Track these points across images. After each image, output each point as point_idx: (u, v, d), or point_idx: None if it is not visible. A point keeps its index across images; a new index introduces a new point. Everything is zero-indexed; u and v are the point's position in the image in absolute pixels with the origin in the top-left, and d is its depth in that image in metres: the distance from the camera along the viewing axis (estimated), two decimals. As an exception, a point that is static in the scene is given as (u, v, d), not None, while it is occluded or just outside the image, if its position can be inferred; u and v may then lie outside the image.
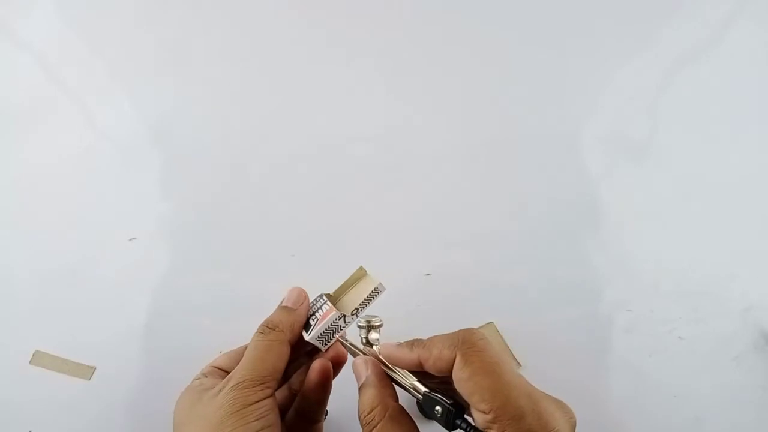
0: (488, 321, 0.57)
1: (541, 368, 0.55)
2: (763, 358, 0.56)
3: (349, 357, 0.41)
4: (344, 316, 0.40)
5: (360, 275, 0.44)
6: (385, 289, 0.42)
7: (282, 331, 0.38)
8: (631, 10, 0.70)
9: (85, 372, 0.56)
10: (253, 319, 0.51)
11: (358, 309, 0.41)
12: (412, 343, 0.34)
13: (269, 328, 0.39)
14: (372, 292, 0.42)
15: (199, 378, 0.39)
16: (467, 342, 0.31)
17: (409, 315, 0.58)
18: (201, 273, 0.60)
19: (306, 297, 0.42)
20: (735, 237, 0.61)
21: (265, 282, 0.59)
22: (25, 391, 0.56)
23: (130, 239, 0.61)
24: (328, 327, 0.39)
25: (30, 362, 0.56)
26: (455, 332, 0.33)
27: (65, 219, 0.62)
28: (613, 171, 0.64)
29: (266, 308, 0.54)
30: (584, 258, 0.61)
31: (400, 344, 0.36)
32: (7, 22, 0.69)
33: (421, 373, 0.35)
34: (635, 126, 0.66)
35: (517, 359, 0.55)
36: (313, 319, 0.41)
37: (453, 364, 0.31)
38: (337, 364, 0.41)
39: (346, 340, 0.40)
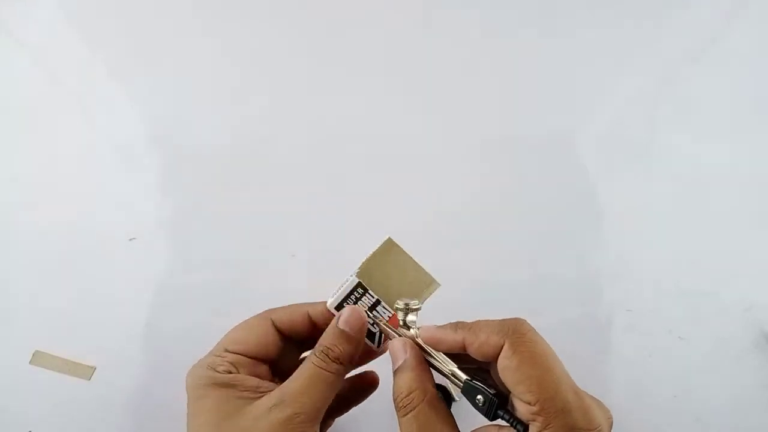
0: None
1: (541, 368, 0.55)
2: (763, 358, 0.56)
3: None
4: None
5: (421, 276, 0.42)
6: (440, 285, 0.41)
7: (343, 364, 0.35)
8: (631, 11, 0.71)
9: (85, 372, 0.56)
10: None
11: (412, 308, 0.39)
12: (456, 325, 0.34)
13: (331, 358, 0.35)
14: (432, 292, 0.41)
15: (227, 368, 0.35)
16: (517, 331, 0.31)
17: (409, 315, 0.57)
18: (201, 273, 0.60)
19: (364, 321, 0.37)
20: (735, 237, 0.61)
21: (266, 282, 0.59)
22: (25, 391, 0.56)
23: (130, 239, 0.61)
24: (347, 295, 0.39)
25: (30, 362, 0.56)
26: (504, 319, 0.32)
27: (65, 219, 0.62)
28: (613, 171, 0.64)
29: (266, 308, 0.54)
30: (584, 258, 0.61)
31: (441, 326, 0.35)
32: (7, 22, 0.69)
33: (455, 357, 0.34)
34: (635, 126, 0.66)
35: (517, 359, 0.55)
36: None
37: (500, 351, 0.30)
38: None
39: (382, 322, 0.39)
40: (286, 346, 0.39)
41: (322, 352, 0.35)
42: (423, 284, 0.44)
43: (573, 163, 0.64)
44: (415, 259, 0.45)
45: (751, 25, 0.70)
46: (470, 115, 0.67)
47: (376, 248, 0.43)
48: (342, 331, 0.36)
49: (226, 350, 0.36)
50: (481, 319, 0.33)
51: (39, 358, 0.56)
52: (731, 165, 0.64)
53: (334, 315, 0.38)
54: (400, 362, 0.34)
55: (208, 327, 0.59)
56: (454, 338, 0.33)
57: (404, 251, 0.45)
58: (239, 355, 0.36)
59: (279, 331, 0.38)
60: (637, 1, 0.71)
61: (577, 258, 0.61)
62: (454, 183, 0.64)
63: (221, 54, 0.69)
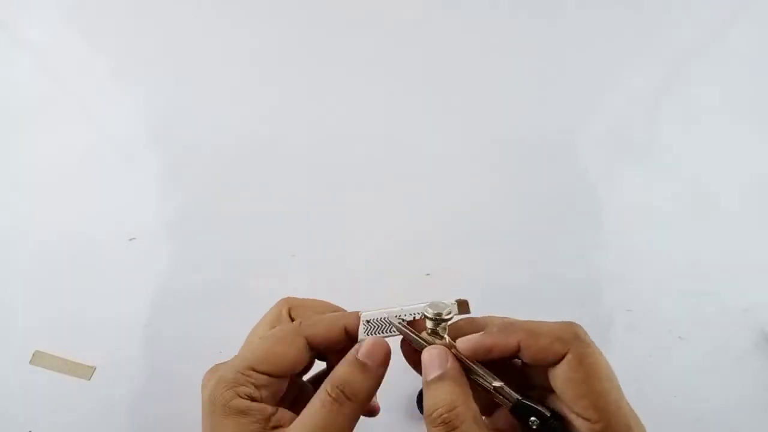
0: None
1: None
2: (763, 358, 0.56)
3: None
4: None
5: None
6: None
7: (360, 402, 0.31)
8: (632, 12, 0.70)
9: (85, 372, 0.56)
10: (254, 319, 0.51)
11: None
12: (507, 327, 0.30)
13: (346, 396, 0.30)
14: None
15: (249, 392, 0.31)
16: (582, 341, 0.28)
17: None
18: (201, 273, 0.60)
19: (389, 354, 0.32)
20: (735, 237, 0.61)
21: (266, 282, 0.59)
22: (25, 391, 0.56)
23: (130, 239, 0.61)
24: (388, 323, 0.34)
25: (30, 362, 0.56)
26: (561, 324, 0.29)
27: (65, 219, 0.62)
28: (613, 171, 0.64)
29: (267, 308, 0.54)
30: (584, 258, 0.60)
31: (486, 332, 0.31)
32: (7, 22, 0.69)
33: (490, 364, 0.31)
34: (635, 127, 0.66)
35: (517, 359, 0.55)
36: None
37: (559, 359, 0.28)
38: None
39: (408, 328, 0.33)
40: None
41: (337, 388, 0.30)
42: None
43: (573, 163, 0.64)
44: None
45: (752, 25, 0.70)
46: (470, 116, 0.67)
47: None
48: (362, 364, 0.31)
49: (254, 369, 0.31)
50: (533, 321, 0.30)
51: (39, 358, 0.56)
52: (731, 165, 0.64)
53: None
54: (437, 372, 0.30)
55: (208, 327, 0.59)
56: (506, 343, 0.29)
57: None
58: (266, 375, 0.31)
59: (311, 346, 0.33)
60: (637, 3, 0.71)
61: (577, 258, 0.60)
62: (454, 184, 0.64)
63: (222, 54, 0.68)
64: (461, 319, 0.33)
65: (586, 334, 0.29)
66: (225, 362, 0.33)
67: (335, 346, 0.33)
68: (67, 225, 0.61)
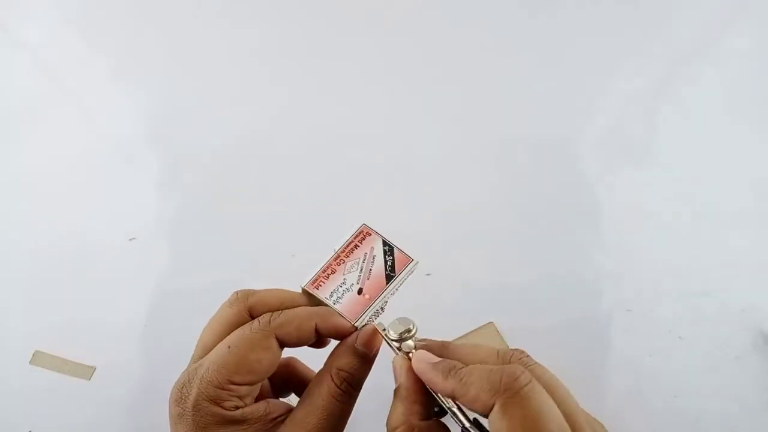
0: (488, 321, 0.57)
1: (541, 368, 0.55)
2: (762, 358, 0.56)
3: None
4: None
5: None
6: (418, 266, 0.37)
7: (359, 390, 0.32)
8: (631, 11, 0.71)
9: (85, 372, 0.56)
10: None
11: (397, 289, 0.36)
12: (449, 371, 0.30)
13: (351, 386, 0.32)
14: (410, 269, 0.36)
15: (235, 404, 0.30)
16: (510, 389, 0.27)
17: (410, 315, 0.57)
18: (201, 273, 0.60)
19: (381, 343, 0.34)
20: (734, 237, 0.61)
21: (266, 282, 0.59)
22: (25, 391, 0.56)
23: (130, 239, 0.61)
24: (375, 312, 0.34)
25: (30, 362, 0.56)
26: (498, 369, 0.28)
27: (65, 219, 0.62)
28: (612, 171, 0.64)
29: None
30: (584, 258, 0.60)
31: (435, 364, 0.30)
32: (7, 22, 0.69)
33: None
34: (635, 127, 0.66)
35: (517, 359, 0.55)
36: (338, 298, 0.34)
37: (490, 410, 0.27)
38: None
39: (384, 331, 0.34)
40: None
41: (344, 380, 0.31)
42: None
43: (573, 163, 0.64)
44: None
45: (751, 25, 0.70)
46: (470, 116, 0.67)
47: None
48: (361, 354, 0.32)
49: (232, 382, 0.30)
50: (475, 363, 0.30)
51: (39, 358, 0.56)
52: (731, 166, 0.64)
53: (345, 329, 0.33)
54: (396, 384, 0.32)
55: (208, 327, 0.59)
56: (443, 386, 0.29)
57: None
58: (247, 386, 0.31)
59: (281, 344, 0.33)
60: (637, 2, 0.71)
61: (577, 259, 0.60)
62: (453, 184, 0.64)
63: (222, 55, 0.69)
64: (434, 343, 0.34)
65: (522, 379, 0.27)
66: (194, 374, 0.31)
67: (306, 342, 0.33)
68: (66, 225, 0.61)
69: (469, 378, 0.28)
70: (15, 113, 0.66)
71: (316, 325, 0.33)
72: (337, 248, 0.36)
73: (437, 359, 0.31)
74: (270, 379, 0.35)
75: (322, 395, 0.31)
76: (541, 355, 0.56)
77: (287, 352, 0.34)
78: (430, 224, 0.62)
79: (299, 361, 0.38)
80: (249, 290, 0.35)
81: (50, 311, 0.58)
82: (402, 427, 0.30)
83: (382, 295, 0.35)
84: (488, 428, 0.28)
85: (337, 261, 0.36)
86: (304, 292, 0.35)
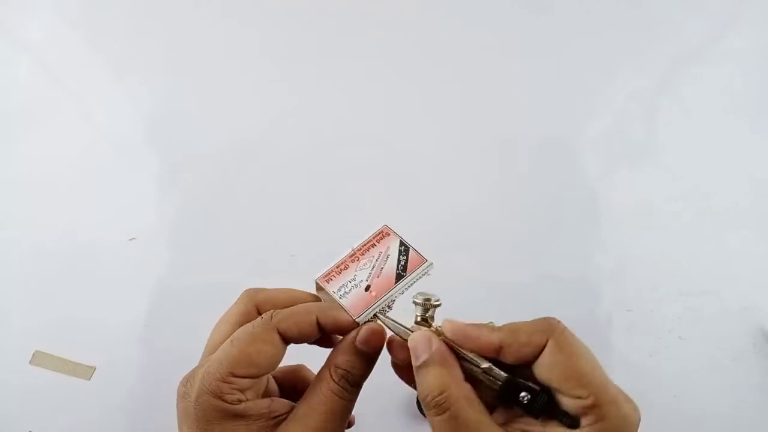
0: (488, 321, 0.57)
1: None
2: (762, 358, 0.56)
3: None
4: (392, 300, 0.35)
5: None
6: (434, 268, 0.37)
7: (359, 388, 0.32)
8: (631, 11, 0.71)
9: (85, 372, 0.56)
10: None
11: (406, 289, 0.35)
12: (490, 327, 0.31)
13: (350, 383, 0.31)
14: (423, 269, 0.36)
15: (237, 397, 0.30)
16: (558, 329, 0.29)
17: (409, 315, 0.57)
18: (201, 273, 0.60)
19: (384, 341, 0.33)
20: (734, 238, 0.61)
21: (266, 282, 0.59)
22: (25, 391, 0.56)
23: (130, 239, 0.61)
24: (380, 310, 0.34)
25: (30, 362, 0.56)
26: (538, 320, 0.30)
27: (65, 219, 0.62)
28: (613, 171, 0.64)
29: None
30: (584, 258, 0.61)
31: (473, 323, 0.32)
32: (6, 22, 0.69)
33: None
34: (635, 126, 0.66)
35: (517, 359, 0.55)
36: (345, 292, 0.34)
37: (540, 351, 0.29)
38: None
39: (390, 318, 0.34)
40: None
41: (342, 378, 0.31)
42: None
43: (573, 163, 0.64)
44: None
45: (751, 25, 0.70)
46: (469, 116, 0.67)
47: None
48: (361, 351, 0.32)
49: (232, 374, 0.30)
50: (511, 322, 0.31)
51: (39, 358, 0.56)
52: (731, 165, 0.64)
53: (348, 324, 0.33)
54: (424, 357, 0.31)
55: (207, 327, 0.59)
56: (489, 339, 0.30)
57: None
58: (248, 379, 0.31)
59: (283, 339, 0.33)
60: (638, 2, 0.71)
61: (577, 258, 0.61)
62: (453, 184, 0.64)
63: (223, 55, 0.69)
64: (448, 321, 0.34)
65: (563, 324, 0.30)
66: (198, 369, 0.32)
67: (308, 338, 0.33)
68: (67, 225, 0.61)
69: (516, 327, 0.30)
70: (15, 113, 0.66)
71: (317, 319, 0.32)
72: (355, 246, 0.37)
73: (469, 322, 0.32)
74: (279, 385, 0.36)
75: (323, 392, 0.31)
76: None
77: (298, 355, 0.34)
78: (429, 224, 0.62)
79: (308, 368, 0.38)
80: (258, 288, 0.35)
81: (50, 311, 0.58)
82: (453, 387, 0.29)
83: (389, 294, 0.34)
84: (536, 371, 0.29)
85: (352, 258, 0.36)
86: (317, 284, 0.36)
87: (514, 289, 0.59)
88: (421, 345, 0.31)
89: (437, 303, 0.35)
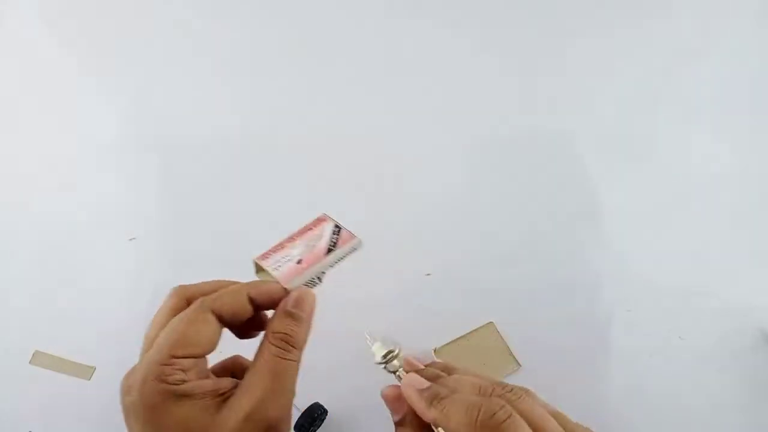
0: (488, 321, 0.57)
1: (540, 368, 0.55)
2: (763, 358, 0.56)
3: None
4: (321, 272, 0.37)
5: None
6: (362, 245, 0.38)
7: (300, 349, 0.33)
8: (631, 10, 0.71)
9: (85, 372, 0.56)
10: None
11: (336, 263, 0.38)
12: (432, 399, 0.30)
13: (290, 344, 0.32)
14: (352, 245, 0.38)
15: (180, 377, 0.31)
16: (486, 426, 0.27)
17: (410, 315, 0.58)
18: (201, 272, 0.60)
19: (315, 302, 0.35)
20: (735, 237, 0.61)
21: (265, 282, 0.59)
22: (25, 391, 0.56)
23: (130, 239, 0.61)
24: (310, 280, 0.36)
25: (30, 362, 0.56)
26: (477, 404, 0.28)
27: (65, 219, 0.62)
28: (613, 171, 0.64)
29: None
30: (584, 258, 0.60)
31: (422, 391, 0.31)
32: (6, 21, 0.69)
33: None
34: (635, 126, 0.66)
35: (517, 359, 0.55)
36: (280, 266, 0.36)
37: None
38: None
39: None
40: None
41: (281, 340, 0.32)
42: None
43: (573, 162, 0.64)
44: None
45: (752, 25, 0.70)
46: (470, 115, 0.67)
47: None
48: (296, 314, 0.34)
49: (173, 356, 0.31)
50: (463, 378, 0.31)
51: (39, 358, 0.56)
52: (732, 165, 0.64)
53: (281, 294, 0.35)
54: (399, 416, 0.32)
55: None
56: (427, 415, 0.30)
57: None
58: (188, 359, 0.31)
59: (220, 320, 0.33)
60: (638, 1, 0.71)
61: (577, 258, 0.60)
62: (453, 182, 0.64)
63: (220, 54, 0.69)
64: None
65: (501, 415, 0.27)
66: (138, 363, 0.32)
67: (242, 314, 0.34)
68: (67, 225, 0.61)
69: (451, 408, 0.29)
70: (15, 112, 0.66)
71: (249, 296, 0.34)
72: (294, 232, 0.39)
73: (426, 384, 0.31)
74: (217, 375, 0.35)
75: (264, 358, 0.32)
76: (541, 354, 0.56)
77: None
78: (430, 224, 0.62)
79: (243, 357, 0.38)
80: (186, 284, 0.36)
81: (50, 311, 0.58)
82: None
83: (319, 265, 0.36)
84: None
85: (290, 240, 0.39)
86: (255, 265, 0.38)
87: (514, 289, 0.59)
88: (395, 405, 0.33)
89: (396, 354, 0.35)
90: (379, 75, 0.68)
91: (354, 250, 0.38)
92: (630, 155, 0.65)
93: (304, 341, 0.33)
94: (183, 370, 0.31)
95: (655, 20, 0.70)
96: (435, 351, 0.55)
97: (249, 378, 0.31)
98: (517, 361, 0.55)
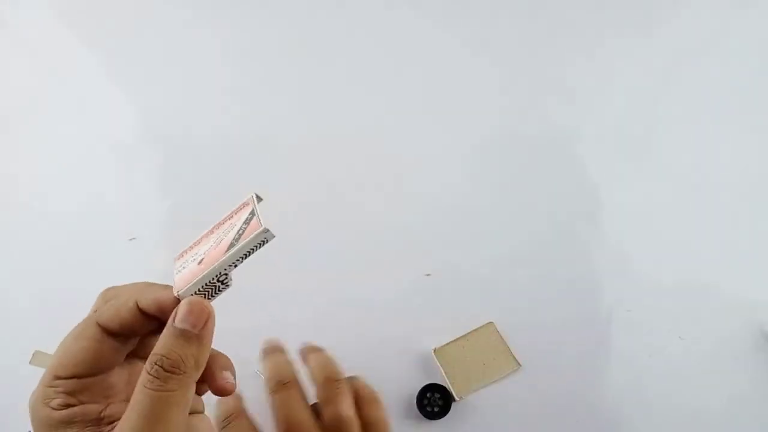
0: (488, 321, 0.57)
1: (540, 368, 0.55)
2: (763, 358, 0.56)
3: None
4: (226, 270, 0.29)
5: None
6: (274, 236, 0.30)
7: (185, 373, 0.27)
8: (632, 10, 0.71)
9: (85, 372, 0.56)
10: (253, 319, 0.51)
11: (240, 259, 0.30)
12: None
13: (166, 370, 0.26)
14: (256, 237, 0.29)
15: (62, 401, 0.28)
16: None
17: (409, 315, 0.58)
18: (201, 273, 0.60)
19: (211, 315, 0.29)
20: (735, 237, 0.61)
21: (266, 281, 0.59)
22: (25, 391, 0.55)
23: (130, 239, 0.61)
24: (207, 284, 0.29)
25: (30, 362, 0.56)
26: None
27: (65, 219, 0.62)
28: (613, 170, 0.64)
29: (266, 308, 0.54)
30: (584, 258, 0.61)
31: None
32: (7, 21, 0.69)
33: None
34: (636, 124, 0.66)
35: (517, 359, 0.55)
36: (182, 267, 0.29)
37: None
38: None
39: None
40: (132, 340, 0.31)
41: (155, 364, 0.26)
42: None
43: (573, 162, 0.64)
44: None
45: (752, 25, 0.70)
46: (470, 114, 0.67)
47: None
48: (181, 331, 0.27)
49: (57, 377, 0.28)
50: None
51: (39, 358, 0.56)
52: (732, 164, 0.64)
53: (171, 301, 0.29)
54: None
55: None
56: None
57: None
58: (74, 379, 0.28)
59: (110, 334, 0.30)
60: (639, 1, 0.71)
61: (576, 258, 0.61)
62: (454, 183, 0.64)
63: (221, 54, 0.69)
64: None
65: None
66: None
67: (133, 327, 0.30)
68: (67, 225, 0.61)
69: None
70: (14, 112, 0.66)
71: (137, 303, 0.29)
72: (218, 221, 0.32)
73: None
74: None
75: (137, 390, 0.27)
76: (541, 354, 0.56)
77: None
78: (430, 224, 0.62)
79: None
80: (109, 287, 0.33)
81: (50, 311, 0.58)
82: None
83: (217, 265, 0.29)
84: None
85: (209, 233, 0.32)
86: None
87: (513, 289, 0.59)
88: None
89: None
90: (379, 75, 0.68)
91: (262, 242, 0.30)
92: (630, 155, 0.65)
93: (196, 364, 0.27)
94: (66, 393, 0.28)
95: (656, 21, 0.70)
96: (435, 351, 0.55)
97: (125, 414, 0.26)
98: (517, 361, 0.55)
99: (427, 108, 0.67)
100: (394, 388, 0.53)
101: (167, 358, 0.27)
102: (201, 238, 0.32)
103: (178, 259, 0.32)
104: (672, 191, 0.63)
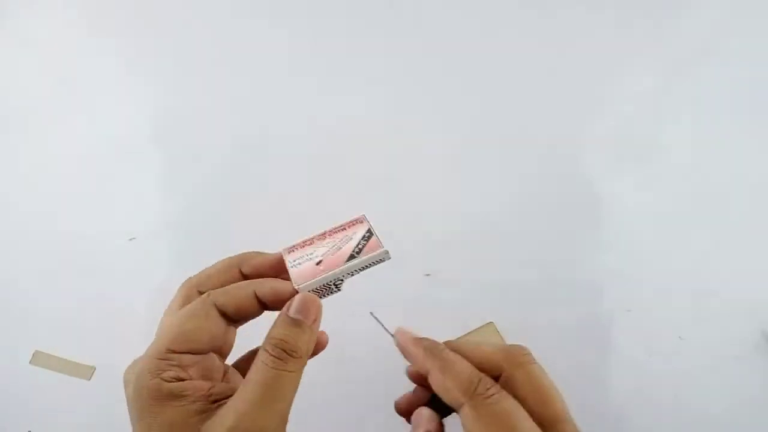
0: (488, 321, 0.57)
1: (541, 368, 0.55)
2: (763, 358, 0.56)
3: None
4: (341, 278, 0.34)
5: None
6: (390, 258, 0.36)
7: (301, 357, 0.30)
8: (636, 12, 0.70)
9: (85, 372, 0.56)
10: (253, 319, 0.51)
11: (357, 271, 0.35)
12: (431, 350, 0.30)
13: (287, 352, 0.29)
14: (377, 255, 0.35)
15: (174, 374, 0.29)
16: (480, 394, 0.28)
17: (410, 315, 0.58)
18: (201, 273, 0.60)
19: (320, 311, 0.32)
20: (735, 238, 0.61)
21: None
22: (25, 391, 0.56)
23: (130, 239, 0.61)
24: (325, 285, 0.34)
25: (30, 362, 0.56)
26: (476, 374, 0.29)
27: (65, 218, 0.62)
28: (615, 171, 0.64)
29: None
30: (585, 258, 0.60)
31: (417, 340, 0.31)
32: (12, 21, 0.69)
33: None
34: (638, 126, 0.66)
35: (517, 359, 0.55)
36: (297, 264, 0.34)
37: (460, 407, 0.28)
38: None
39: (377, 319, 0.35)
40: (233, 327, 0.34)
41: (275, 347, 0.29)
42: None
43: (575, 163, 0.64)
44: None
45: (755, 26, 0.70)
46: (471, 115, 0.67)
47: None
48: (295, 320, 0.30)
49: (171, 350, 0.29)
50: (468, 340, 0.31)
51: (39, 358, 0.56)
52: (733, 165, 0.64)
53: (286, 294, 0.32)
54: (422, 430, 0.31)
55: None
56: (422, 364, 0.30)
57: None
58: (188, 354, 0.30)
59: (224, 315, 0.32)
60: (642, 3, 0.71)
61: (577, 258, 0.60)
62: (454, 184, 0.64)
63: (223, 54, 0.69)
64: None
65: (492, 388, 0.28)
66: (138, 357, 0.31)
67: (247, 311, 0.32)
68: (67, 225, 0.61)
69: (452, 368, 0.29)
70: (17, 112, 0.66)
71: (256, 293, 0.32)
72: (328, 229, 0.37)
73: (420, 337, 0.32)
74: (242, 368, 0.34)
75: (257, 367, 0.29)
76: (541, 354, 0.56)
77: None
78: (430, 224, 0.62)
79: None
80: (195, 276, 0.35)
81: (50, 311, 0.58)
82: (485, 377, 0.29)
83: (337, 270, 0.34)
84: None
85: (321, 237, 0.37)
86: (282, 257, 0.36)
87: (514, 289, 0.59)
88: (419, 420, 0.31)
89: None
90: (380, 75, 0.68)
91: (380, 261, 0.36)
92: (632, 155, 0.65)
93: (307, 351, 0.30)
94: (180, 367, 0.29)
95: (661, 21, 0.70)
96: (435, 351, 0.55)
97: (240, 388, 0.29)
98: (517, 361, 0.55)
99: (427, 109, 0.67)
100: (395, 387, 0.53)
101: (286, 342, 0.30)
102: (313, 239, 0.36)
103: (289, 253, 0.35)
104: (673, 192, 0.63)
